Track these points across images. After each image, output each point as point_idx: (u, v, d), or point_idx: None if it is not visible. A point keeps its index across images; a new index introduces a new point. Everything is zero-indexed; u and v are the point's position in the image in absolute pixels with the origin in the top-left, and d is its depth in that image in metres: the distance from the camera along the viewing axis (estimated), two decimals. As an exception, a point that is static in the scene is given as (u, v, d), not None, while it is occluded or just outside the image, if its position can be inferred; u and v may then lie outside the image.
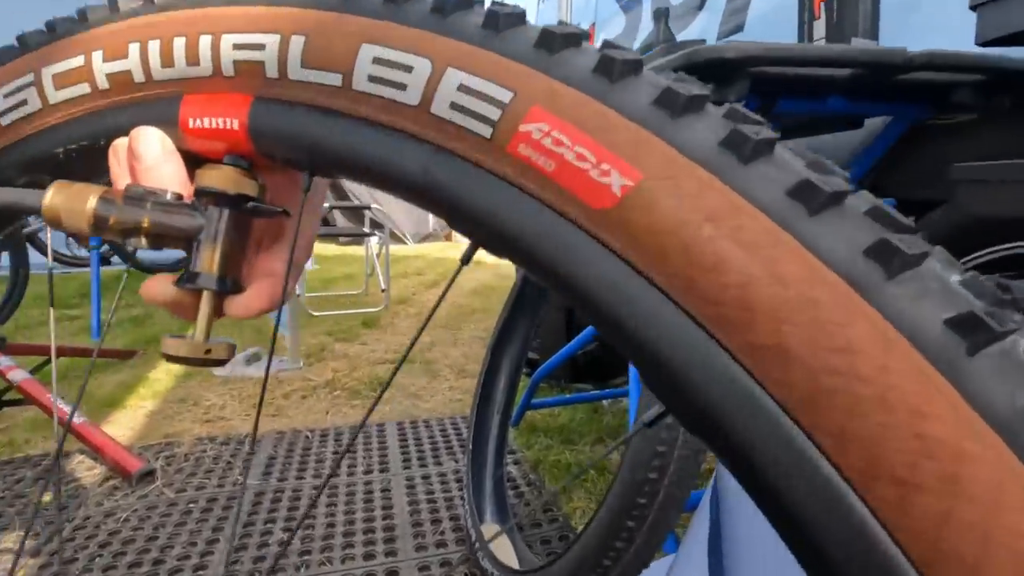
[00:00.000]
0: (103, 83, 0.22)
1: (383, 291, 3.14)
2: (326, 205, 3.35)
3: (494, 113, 0.16)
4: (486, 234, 0.18)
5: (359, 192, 5.72)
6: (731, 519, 0.69)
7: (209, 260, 0.23)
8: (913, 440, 0.12)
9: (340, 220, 5.74)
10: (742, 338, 0.14)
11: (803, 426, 0.13)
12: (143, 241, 0.22)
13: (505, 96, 0.16)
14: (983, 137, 0.96)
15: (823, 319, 0.13)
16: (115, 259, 3.72)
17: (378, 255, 3.42)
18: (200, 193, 0.23)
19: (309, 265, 4.26)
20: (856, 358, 0.13)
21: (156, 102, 0.22)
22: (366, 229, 3.36)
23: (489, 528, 1.09)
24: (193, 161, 0.23)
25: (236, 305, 0.24)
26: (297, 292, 2.48)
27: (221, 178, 0.22)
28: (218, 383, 1.91)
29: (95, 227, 0.22)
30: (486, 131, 0.16)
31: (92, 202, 0.22)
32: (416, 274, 4.42)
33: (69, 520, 1.16)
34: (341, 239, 5.95)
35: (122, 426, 1.61)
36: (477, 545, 1.01)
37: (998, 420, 0.12)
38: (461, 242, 6.84)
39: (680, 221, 0.14)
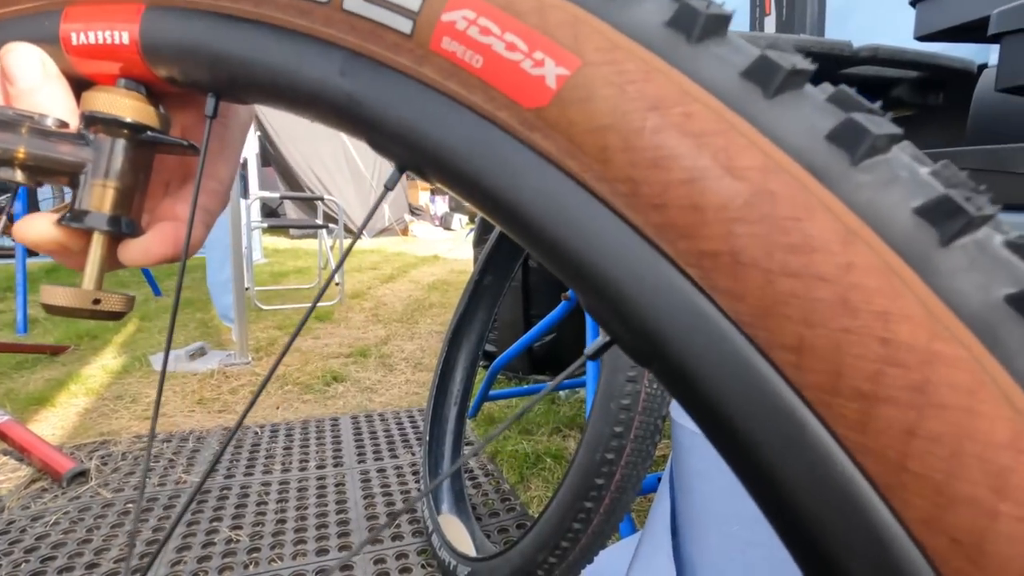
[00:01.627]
0: None
1: (337, 285, 3.06)
2: (276, 195, 3.23)
3: (414, 2, 0.14)
4: (411, 154, 0.16)
5: (312, 183, 5.57)
6: (687, 499, 0.70)
7: (100, 197, 0.20)
8: (877, 346, 0.11)
9: (292, 212, 5.57)
10: (690, 246, 0.13)
11: (757, 343, 0.12)
12: (18, 175, 0.19)
13: None
14: (918, 133, 1.01)
15: (779, 215, 0.12)
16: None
17: (332, 249, 3.34)
18: (89, 121, 0.20)
19: (257, 258, 4.12)
20: (815, 256, 0.12)
21: (33, 16, 0.19)
22: (319, 221, 3.27)
23: (447, 519, 1.08)
24: (84, 88, 0.20)
25: (133, 250, 0.21)
26: (246, 285, 2.39)
27: (112, 102, 0.19)
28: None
29: None
30: (406, 25, 0.14)
31: None
32: (371, 268, 4.34)
33: (-9, 526, 1.07)
34: (293, 232, 5.78)
35: (52, 425, 1.51)
36: (434, 536, 0.99)
37: (973, 317, 0.11)
38: (419, 236, 6.77)
39: (621, 112, 0.13)
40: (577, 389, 1.78)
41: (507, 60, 0.14)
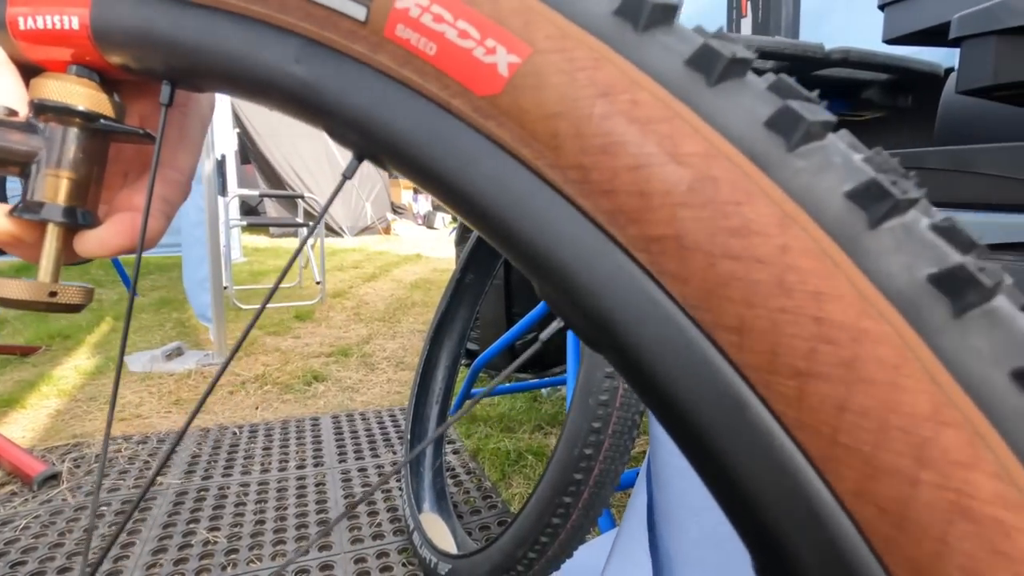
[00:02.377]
0: None
1: (318, 284, 3.03)
2: (256, 193, 3.19)
3: None
4: (368, 143, 0.16)
5: (293, 181, 5.51)
6: (664, 494, 0.71)
7: (53, 188, 0.19)
8: (812, 325, 0.12)
9: (272, 211, 5.50)
10: (637, 231, 0.13)
11: (702, 325, 0.13)
12: None
13: None
14: (887, 134, 1.03)
15: (721, 199, 0.12)
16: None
17: (312, 247, 3.30)
18: (39, 109, 0.19)
19: (236, 257, 4.06)
20: (754, 239, 0.12)
21: None
22: (299, 220, 3.23)
23: (428, 517, 1.08)
24: (34, 75, 0.20)
25: (89, 241, 0.21)
26: (224, 284, 2.35)
27: (62, 90, 0.19)
28: (135, 380, 1.79)
29: None
30: (360, 12, 0.14)
31: None
32: (353, 267, 4.30)
33: (-42, 531, 1.05)
34: (273, 231, 5.71)
35: (23, 427, 1.47)
36: (415, 534, 0.99)
37: (898, 295, 0.12)
38: (401, 235, 6.73)
39: (572, 99, 0.13)
40: (559, 387, 1.78)
41: (460, 48, 0.14)
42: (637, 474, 1.04)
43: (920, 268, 0.12)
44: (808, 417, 0.12)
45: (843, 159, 0.12)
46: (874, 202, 0.12)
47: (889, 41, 0.71)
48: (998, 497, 0.11)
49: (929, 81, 0.86)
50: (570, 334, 1.13)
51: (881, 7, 0.72)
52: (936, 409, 0.11)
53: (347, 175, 0.17)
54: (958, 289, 0.11)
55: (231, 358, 0.21)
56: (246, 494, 1.20)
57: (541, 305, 1.39)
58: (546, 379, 1.76)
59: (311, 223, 3.17)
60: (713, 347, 0.13)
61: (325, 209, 0.20)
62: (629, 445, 0.68)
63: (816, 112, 0.13)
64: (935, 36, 0.63)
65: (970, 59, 0.53)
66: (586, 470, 0.65)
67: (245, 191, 3.26)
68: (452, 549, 0.93)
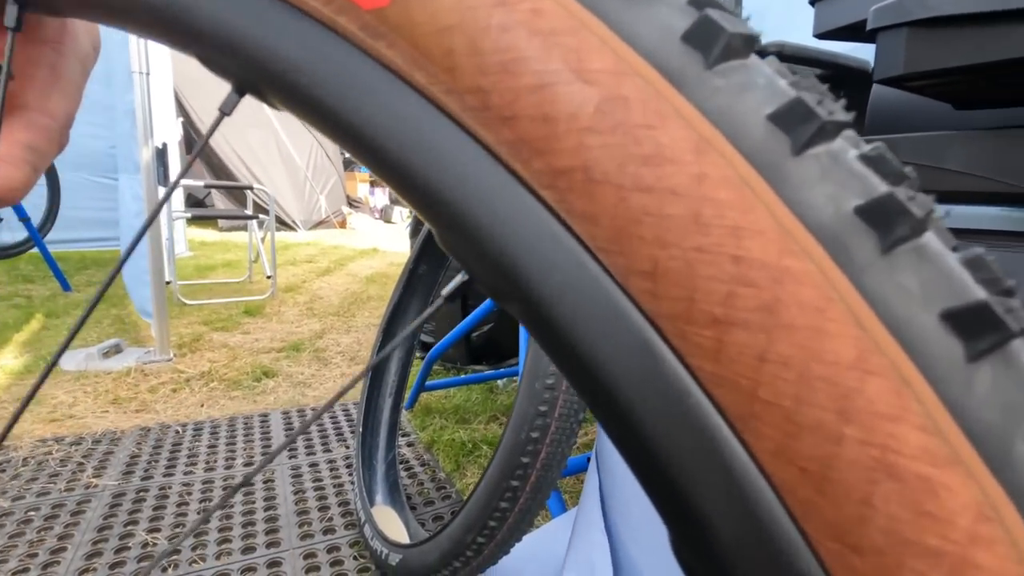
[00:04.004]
0: None
1: (269, 278, 2.94)
2: (201, 184, 3.06)
3: None
4: (246, 71, 0.14)
5: (241, 172, 5.31)
6: (611, 475, 0.72)
7: None
8: (730, 265, 0.11)
9: (220, 203, 5.29)
10: (543, 163, 0.12)
11: (614, 271, 0.11)
12: None
13: None
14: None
15: (632, 123, 0.11)
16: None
17: (263, 240, 3.20)
18: None
19: (181, 251, 3.90)
20: (668, 168, 0.11)
21: None
22: (248, 212, 3.12)
23: (380, 510, 1.07)
24: None
25: None
26: (167, 279, 2.25)
27: None
28: (68, 379, 1.69)
29: None
30: None
31: None
32: (307, 261, 4.19)
33: None
34: (222, 225, 5.50)
35: (-60, 432, 1.37)
36: (367, 527, 0.98)
37: (823, 229, 0.10)
38: (357, 229, 6.60)
39: (467, 8, 0.12)
40: (514, 378, 1.79)
41: None
42: (588, 459, 1.05)
43: (847, 199, 0.11)
44: (726, 370, 0.11)
45: (767, 79, 0.11)
46: (798, 124, 0.11)
47: (819, 36, 0.74)
48: (925, 452, 0.10)
49: (859, 76, 0.90)
50: (524, 324, 1.14)
51: (812, 2, 0.75)
52: (861, 356, 0.10)
53: (224, 110, 0.16)
54: (887, 222, 0.10)
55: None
56: (189, 493, 1.15)
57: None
58: (501, 370, 1.76)
59: (260, 215, 3.06)
60: (625, 296, 0.12)
61: (202, 145, 0.19)
62: (575, 428, 0.69)
63: (737, 24, 0.11)
64: (859, 31, 0.66)
65: (885, 50, 0.56)
66: (533, 453, 0.66)
67: (190, 182, 3.12)
68: (404, 540, 0.92)
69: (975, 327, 0.10)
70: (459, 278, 0.15)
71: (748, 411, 0.11)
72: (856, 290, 0.10)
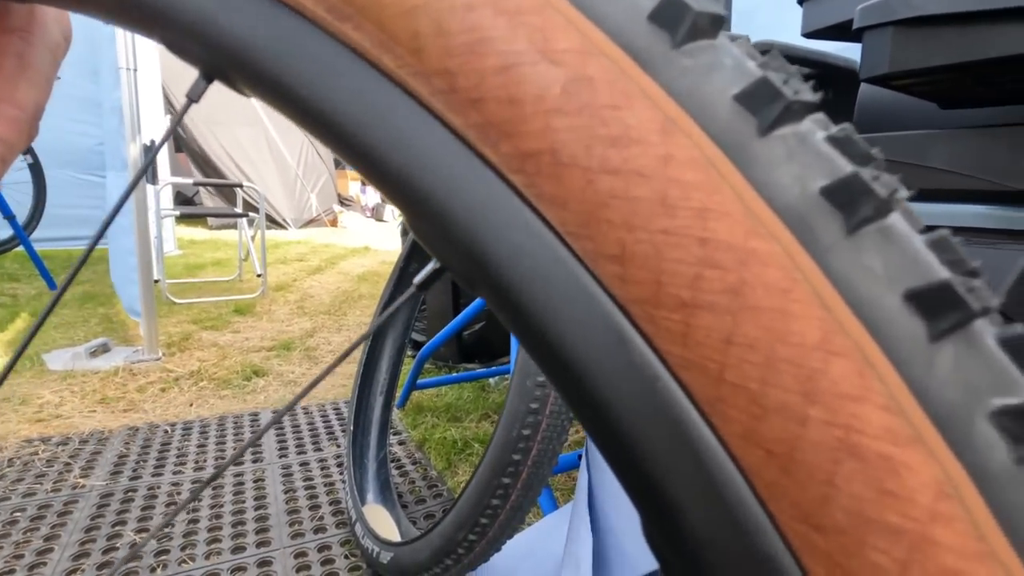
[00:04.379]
0: None
1: (259, 276, 2.92)
2: (190, 181, 3.04)
3: None
4: (212, 56, 0.14)
5: (231, 171, 5.27)
6: (600, 470, 0.72)
7: None
8: (696, 247, 0.11)
9: (209, 202, 5.25)
10: (510, 146, 0.12)
11: (583, 256, 0.11)
12: None
13: None
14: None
15: (598, 103, 0.11)
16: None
17: (253, 239, 3.18)
18: None
19: (170, 249, 3.87)
20: (634, 149, 0.11)
21: None
22: (238, 210, 3.10)
23: (371, 508, 1.07)
24: None
25: None
26: (156, 278, 2.23)
27: None
28: (55, 379, 1.67)
29: None
30: None
31: None
32: (297, 260, 4.17)
33: None
34: (212, 223, 5.46)
35: (-76, 433, 1.35)
36: (358, 525, 0.97)
37: (788, 210, 0.10)
38: (348, 227, 6.57)
39: None
40: (506, 376, 1.79)
41: None
42: (579, 456, 1.06)
43: (813, 180, 0.11)
44: (694, 354, 0.11)
45: (734, 60, 0.11)
46: (765, 105, 0.11)
47: (807, 35, 0.74)
48: (887, 431, 0.10)
49: (847, 76, 0.91)
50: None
51: (800, 2, 0.75)
52: (826, 337, 0.10)
53: (192, 97, 0.16)
54: (852, 202, 0.10)
55: None
56: (178, 493, 1.15)
57: (487, 294, 1.39)
58: (492, 368, 1.76)
59: (250, 213, 3.04)
60: (595, 281, 0.12)
61: (172, 128, 0.19)
62: (566, 425, 0.69)
63: (705, 4, 0.11)
64: (846, 30, 0.67)
65: (870, 49, 0.57)
66: (524, 451, 0.66)
67: (178, 179, 3.09)
68: (395, 538, 0.92)
69: (937, 307, 0.10)
70: (431, 266, 0.15)
71: (715, 394, 0.11)
72: (821, 271, 0.10)
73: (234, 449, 1.34)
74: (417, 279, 0.15)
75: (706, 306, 0.11)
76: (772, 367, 0.10)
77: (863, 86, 0.87)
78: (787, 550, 0.11)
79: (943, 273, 0.10)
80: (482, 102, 0.12)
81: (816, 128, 0.11)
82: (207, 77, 0.15)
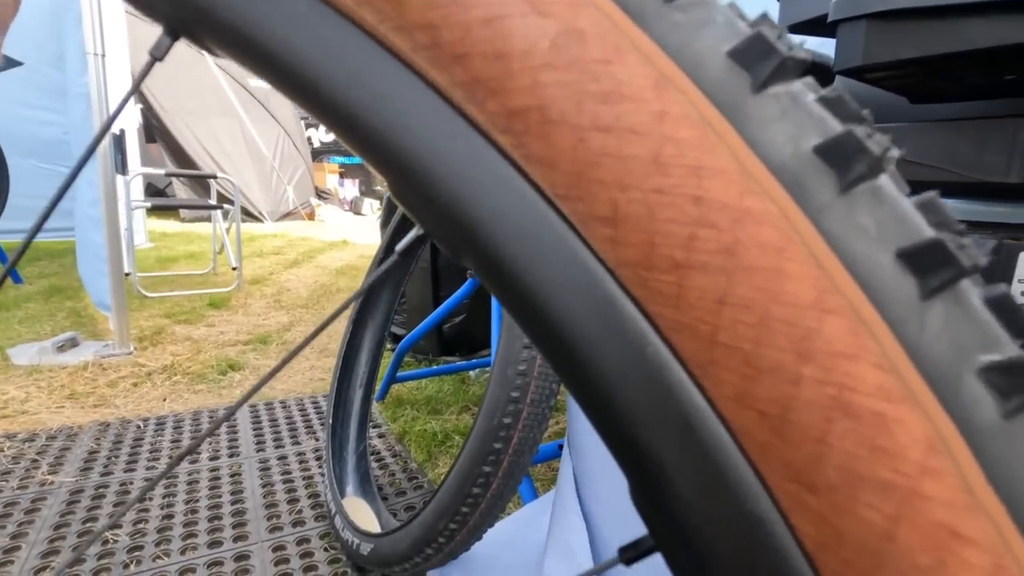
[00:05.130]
0: None
1: (234, 269, 2.86)
2: (162, 172, 2.96)
3: None
4: (175, 7, 0.13)
5: (205, 162, 5.15)
6: (582, 456, 0.73)
7: None
8: (691, 206, 0.10)
9: (181, 193, 5.12)
10: (497, 104, 0.11)
11: (573, 219, 0.11)
12: None
13: None
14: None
15: (589, 58, 0.11)
16: None
17: (228, 231, 3.11)
18: None
19: (141, 242, 3.78)
20: (627, 106, 0.10)
21: None
22: (212, 201, 3.03)
23: (351, 501, 1.06)
24: None
25: None
26: (126, 271, 2.17)
27: None
28: (20, 374, 1.62)
29: None
30: None
31: None
32: (274, 253, 4.10)
33: None
34: (185, 216, 5.33)
35: None
36: (338, 518, 0.97)
37: (783, 169, 0.10)
38: (326, 221, 6.48)
39: None
40: (487, 369, 1.79)
41: None
42: (559, 446, 1.06)
43: (806, 138, 0.10)
44: (686, 316, 0.11)
45: (725, 17, 0.11)
46: (758, 61, 0.11)
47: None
48: (879, 389, 0.10)
49: (823, 71, 0.92)
50: (494, 313, 1.14)
51: (777, -2, 0.76)
52: (820, 296, 0.10)
53: (155, 54, 0.15)
54: (846, 160, 0.10)
55: None
56: (152, 489, 1.12)
57: (464, 286, 1.38)
58: (473, 361, 1.76)
59: (224, 205, 2.98)
60: (584, 245, 0.11)
61: (135, 86, 0.18)
62: (547, 413, 0.69)
63: None
64: (822, 25, 0.68)
65: (844, 42, 0.58)
66: (505, 439, 0.66)
67: (149, 169, 3.01)
68: (376, 530, 0.92)
69: (929, 265, 0.10)
70: (413, 233, 0.14)
71: (707, 357, 0.11)
72: (816, 230, 0.10)
73: (209, 444, 1.32)
74: (399, 246, 0.15)
75: (700, 266, 0.10)
76: (766, 327, 0.10)
77: (837, 79, 0.89)
78: (776, 511, 0.11)
79: (934, 232, 0.10)
80: (467, 57, 0.11)
81: (808, 89, 0.11)
82: (172, 34, 0.14)
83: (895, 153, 0.11)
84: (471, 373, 1.77)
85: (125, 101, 0.17)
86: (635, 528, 0.67)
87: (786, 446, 0.10)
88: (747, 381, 0.10)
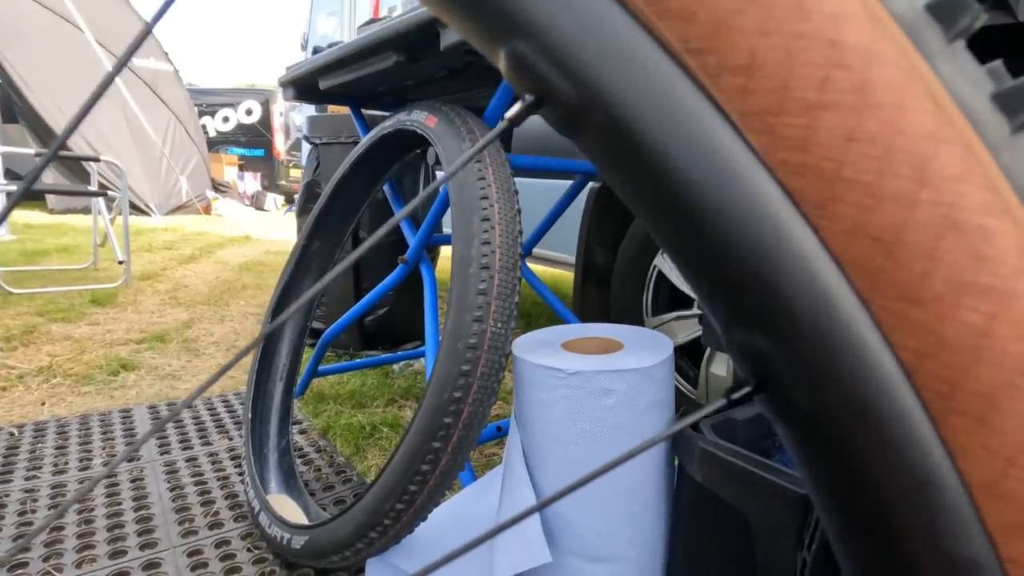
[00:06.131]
0: None
1: (121, 263, 2.59)
2: (31, 151, 2.61)
3: None
4: None
5: (80, 147, 4.60)
6: (530, 429, 0.74)
7: None
8: (827, 49, 0.11)
9: (50, 179, 4.53)
10: None
11: (698, 72, 0.12)
12: None
13: None
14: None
15: None
16: None
17: (112, 222, 2.80)
18: None
19: (2, 234, 3.33)
20: None
21: None
22: (92, 188, 2.71)
23: (276, 498, 0.99)
24: None
25: None
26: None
27: None
28: None
29: None
30: None
31: None
32: (165, 248, 3.76)
33: None
34: (54, 206, 4.74)
35: None
36: (262, 515, 0.90)
37: (902, 18, 0.11)
38: (225, 215, 6.03)
39: None
40: (411, 362, 1.76)
41: None
42: (497, 428, 1.07)
43: None
44: (812, 156, 0.12)
45: None
46: None
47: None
48: (983, 206, 0.11)
49: None
50: (427, 308, 1.11)
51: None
52: (937, 127, 0.11)
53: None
54: (952, 15, 0.12)
55: None
56: (35, 500, 0.99)
57: (393, 274, 1.34)
58: (397, 354, 1.72)
59: (109, 192, 2.68)
60: (706, 98, 0.12)
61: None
62: (495, 387, 0.69)
63: None
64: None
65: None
66: (455, 413, 0.65)
67: (12, 149, 2.63)
68: (306, 522, 0.87)
69: (1017, 105, 0.12)
70: (523, 102, 0.14)
71: (828, 195, 0.12)
72: (932, 70, 0.12)
73: (103, 450, 1.18)
74: (509, 113, 0.15)
75: (832, 106, 0.11)
76: (889, 158, 0.11)
77: None
78: (877, 331, 0.12)
79: (1016, 80, 0.12)
80: None
81: None
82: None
83: (984, 18, 0.12)
84: (395, 367, 1.73)
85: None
86: (585, 503, 0.69)
87: (897, 267, 0.11)
88: (865, 212, 0.12)
